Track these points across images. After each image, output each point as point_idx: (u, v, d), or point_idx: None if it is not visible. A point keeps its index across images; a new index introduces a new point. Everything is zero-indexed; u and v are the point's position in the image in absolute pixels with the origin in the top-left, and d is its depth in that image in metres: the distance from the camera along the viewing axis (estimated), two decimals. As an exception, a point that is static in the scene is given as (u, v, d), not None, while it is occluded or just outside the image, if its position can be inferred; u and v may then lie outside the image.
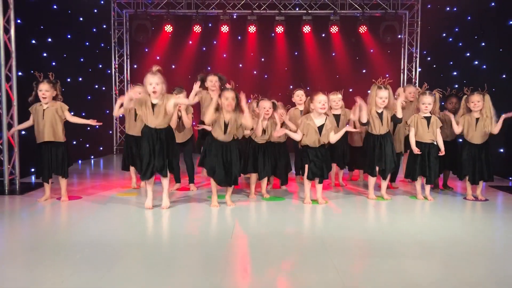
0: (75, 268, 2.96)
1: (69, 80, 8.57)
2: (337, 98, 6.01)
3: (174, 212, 4.70)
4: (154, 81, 4.57)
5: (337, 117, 5.94)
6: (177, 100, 4.84)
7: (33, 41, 7.27)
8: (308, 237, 3.82)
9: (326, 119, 5.05)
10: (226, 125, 4.74)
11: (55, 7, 8.05)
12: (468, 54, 8.47)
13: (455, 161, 5.70)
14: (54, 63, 7.95)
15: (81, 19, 9.18)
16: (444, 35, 9.54)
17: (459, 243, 3.62)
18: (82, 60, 9.22)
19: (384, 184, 5.42)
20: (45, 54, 7.66)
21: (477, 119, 5.30)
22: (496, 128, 5.24)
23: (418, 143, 5.32)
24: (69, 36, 8.62)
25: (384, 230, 4.04)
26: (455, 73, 9.00)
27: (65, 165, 5.16)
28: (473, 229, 4.16)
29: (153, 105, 4.64)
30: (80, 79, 9.12)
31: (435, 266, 3.07)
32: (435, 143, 5.31)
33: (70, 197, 5.31)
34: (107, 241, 3.58)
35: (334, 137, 5.07)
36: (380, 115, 5.26)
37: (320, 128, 4.99)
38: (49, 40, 7.80)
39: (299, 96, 6.39)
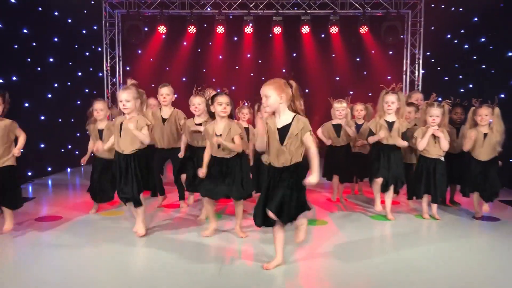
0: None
1: (56, 85, 8.20)
2: (341, 107, 5.60)
3: (151, 243, 4.06)
4: (123, 97, 4.06)
5: (338, 127, 5.58)
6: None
7: (16, 46, 6.89)
8: (307, 269, 3.45)
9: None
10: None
11: (40, 9, 7.66)
12: (475, 57, 8.08)
13: (463, 175, 5.32)
14: (39, 68, 7.58)
15: (69, 20, 8.79)
16: (449, 36, 9.15)
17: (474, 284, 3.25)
18: (70, 63, 8.84)
19: (389, 201, 5.02)
20: (29, 59, 7.28)
21: (485, 134, 4.90)
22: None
23: (424, 158, 4.94)
24: (56, 39, 8.23)
25: (389, 263, 3.67)
26: (460, 76, 8.61)
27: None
28: (489, 261, 3.78)
29: (121, 125, 4.14)
30: (69, 83, 8.74)
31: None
32: (442, 158, 4.91)
33: (52, 217, 4.94)
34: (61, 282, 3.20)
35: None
36: (390, 124, 4.86)
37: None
38: (34, 44, 7.41)
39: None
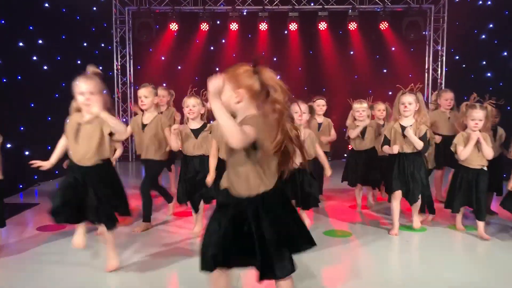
0: None
1: (64, 84, 7.84)
2: (361, 107, 5.17)
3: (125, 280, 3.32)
4: (85, 88, 3.19)
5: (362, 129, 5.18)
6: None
7: (21, 44, 6.59)
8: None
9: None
10: None
11: (46, 5, 7.36)
12: (505, 53, 7.58)
13: (500, 182, 4.87)
14: (46, 67, 7.28)
15: (78, 17, 8.48)
16: (475, 31, 8.64)
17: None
18: (79, 62, 8.50)
19: (415, 209, 4.47)
20: (35, 58, 6.98)
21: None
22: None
23: (464, 169, 4.37)
24: (64, 37, 7.92)
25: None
26: (489, 74, 8.11)
27: None
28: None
29: (78, 126, 3.24)
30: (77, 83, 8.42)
31: None
32: (485, 168, 4.34)
33: (55, 226, 4.61)
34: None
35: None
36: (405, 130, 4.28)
37: None
38: (40, 42, 7.12)
39: (319, 105, 5.65)
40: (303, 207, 4.34)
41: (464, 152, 4.26)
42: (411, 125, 4.28)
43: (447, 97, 5.62)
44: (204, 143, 4.23)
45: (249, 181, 2.12)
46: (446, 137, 5.27)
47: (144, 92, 4.47)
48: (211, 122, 4.41)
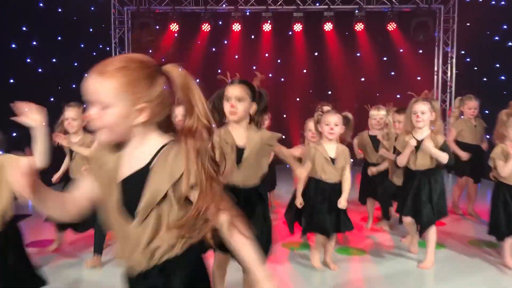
0: None
1: (60, 88, 7.57)
2: (378, 114, 4.74)
3: None
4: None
5: (376, 139, 4.75)
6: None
7: (13, 45, 6.27)
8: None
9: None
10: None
11: (41, 5, 7.04)
12: (521, 56, 7.26)
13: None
14: (40, 70, 6.96)
15: (74, 18, 8.16)
16: (488, 32, 8.31)
17: None
18: (76, 64, 8.21)
19: (430, 244, 3.82)
20: (29, 60, 6.66)
21: None
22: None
23: (506, 187, 3.75)
24: (60, 38, 7.60)
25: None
26: (503, 78, 7.79)
27: None
28: None
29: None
30: (74, 86, 8.10)
31: None
32: None
33: (46, 242, 4.28)
34: None
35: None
36: (419, 143, 3.74)
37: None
38: (34, 43, 6.81)
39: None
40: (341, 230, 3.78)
41: (506, 170, 3.66)
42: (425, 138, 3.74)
43: (471, 106, 5.24)
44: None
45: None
46: (471, 146, 4.96)
47: (72, 114, 3.88)
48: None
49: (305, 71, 10.02)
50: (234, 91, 2.72)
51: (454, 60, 9.64)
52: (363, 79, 9.96)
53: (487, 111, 8.37)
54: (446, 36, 9.70)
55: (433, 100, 3.86)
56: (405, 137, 3.82)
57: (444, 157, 3.66)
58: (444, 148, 3.72)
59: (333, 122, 3.61)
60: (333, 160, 3.61)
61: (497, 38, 8.03)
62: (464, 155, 4.82)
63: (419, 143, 3.71)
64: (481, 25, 8.51)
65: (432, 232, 3.78)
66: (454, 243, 4.37)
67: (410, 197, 3.76)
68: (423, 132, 3.76)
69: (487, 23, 8.29)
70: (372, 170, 4.62)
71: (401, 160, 3.79)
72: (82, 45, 8.50)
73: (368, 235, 4.67)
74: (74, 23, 8.18)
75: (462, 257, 4.01)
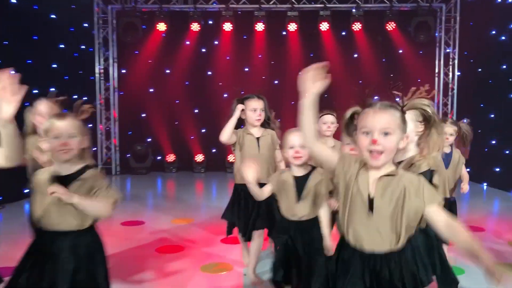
0: None
1: (36, 91, 6.98)
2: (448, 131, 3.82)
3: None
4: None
5: None
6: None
7: (-19, 45, 5.71)
8: None
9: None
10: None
11: (14, 1, 6.48)
12: (531, 57, 6.81)
13: None
14: (13, 72, 6.37)
15: (53, 16, 7.60)
16: (493, 32, 7.86)
17: None
18: (55, 66, 7.66)
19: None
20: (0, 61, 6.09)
21: None
22: None
23: None
24: (36, 38, 7.05)
25: None
26: (511, 80, 7.33)
27: None
28: None
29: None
30: (52, 88, 7.54)
31: None
32: None
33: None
34: None
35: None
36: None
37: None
38: (6, 43, 6.25)
39: (327, 123, 3.91)
40: None
41: None
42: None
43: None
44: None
45: None
46: None
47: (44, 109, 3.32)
48: None
49: (300, 73, 9.51)
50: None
51: (456, 62, 9.20)
52: (360, 82, 9.45)
53: (492, 115, 8.00)
54: (447, 36, 9.26)
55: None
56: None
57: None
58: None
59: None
60: None
61: (504, 38, 7.58)
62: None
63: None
64: (485, 24, 8.07)
65: None
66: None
67: None
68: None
69: (492, 22, 7.85)
70: None
71: None
72: (62, 46, 7.94)
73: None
74: (53, 22, 7.64)
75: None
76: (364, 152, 1.84)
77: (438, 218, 1.79)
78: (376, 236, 1.81)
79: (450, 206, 3.58)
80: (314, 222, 2.69)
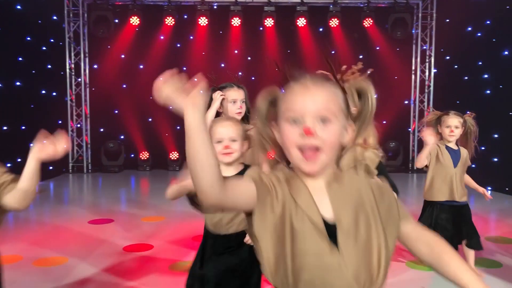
0: None
1: (1, 86, 6.69)
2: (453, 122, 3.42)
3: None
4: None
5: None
6: None
7: None
8: None
9: None
10: None
11: (-26, -10, 6.16)
12: (506, 53, 6.79)
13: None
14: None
15: (19, 7, 7.27)
16: (469, 29, 7.86)
17: None
18: (20, 59, 7.33)
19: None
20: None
21: None
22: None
23: None
24: (-1, 29, 6.72)
25: None
26: (486, 76, 7.33)
27: None
28: None
29: None
30: (18, 83, 7.23)
31: None
32: None
33: None
34: None
35: None
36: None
37: None
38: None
39: None
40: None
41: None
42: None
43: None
44: None
45: None
46: None
47: None
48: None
49: (277, 69, 9.35)
50: None
51: (432, 59, 9.20)
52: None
53: (468, 111, 7.98)
54: (424, 34, 9.24)
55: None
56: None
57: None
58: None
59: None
60: None
61: (479, 34, 7.57)
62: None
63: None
64: (462, 21, 8.06)
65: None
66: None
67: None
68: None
69: (469, 19, 7.84)
70: None
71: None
72: (29, 38, 7.61)
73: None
74: (18, 14, 7.30)
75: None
76: (291, 151, 1.15)
77: (418, 235, 1.24)
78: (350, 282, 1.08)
79: (461, 211, 3.35)
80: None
